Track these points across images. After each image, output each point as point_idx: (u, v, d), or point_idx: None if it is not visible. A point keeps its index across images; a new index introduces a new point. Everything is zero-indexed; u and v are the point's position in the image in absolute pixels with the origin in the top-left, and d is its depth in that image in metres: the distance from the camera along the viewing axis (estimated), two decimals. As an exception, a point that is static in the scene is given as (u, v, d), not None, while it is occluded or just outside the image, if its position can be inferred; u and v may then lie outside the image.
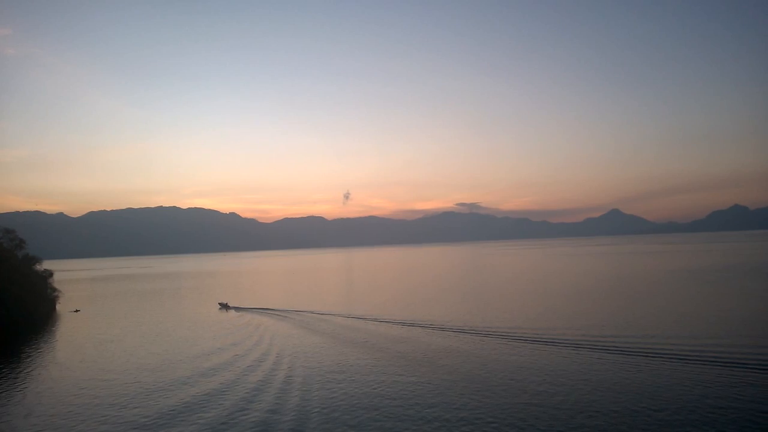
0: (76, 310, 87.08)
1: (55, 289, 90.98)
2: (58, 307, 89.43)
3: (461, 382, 34.88)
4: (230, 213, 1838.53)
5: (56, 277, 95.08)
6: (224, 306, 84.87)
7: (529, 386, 33.09)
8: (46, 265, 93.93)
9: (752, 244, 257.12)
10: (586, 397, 30.29)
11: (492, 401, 30.66)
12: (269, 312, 76.48)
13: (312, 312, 73.61)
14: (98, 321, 75.50)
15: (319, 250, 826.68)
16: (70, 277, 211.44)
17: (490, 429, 26.49)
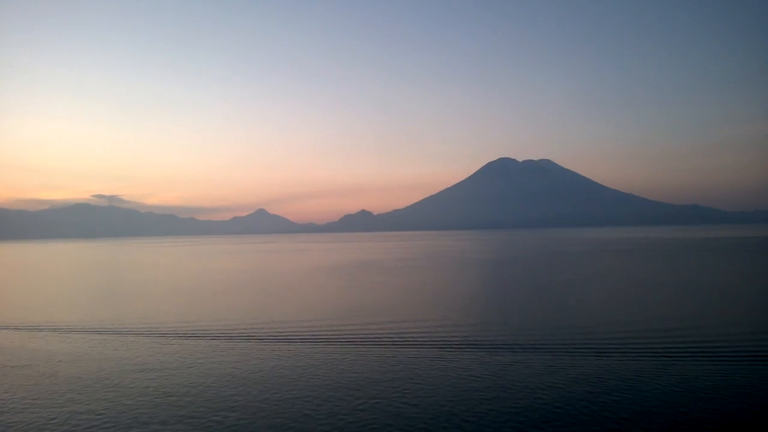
0: None
1: None
2: None
3: (92, 388, 29.45)
4: None
5: None
6: None
7: (164, 383, 30.36)
8: None
9: (376, 243, 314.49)
10: (224, 391, 29.17)
11: (123, 402, 27.02)
12: None
13: None
14: None
15: None
16: None
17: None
